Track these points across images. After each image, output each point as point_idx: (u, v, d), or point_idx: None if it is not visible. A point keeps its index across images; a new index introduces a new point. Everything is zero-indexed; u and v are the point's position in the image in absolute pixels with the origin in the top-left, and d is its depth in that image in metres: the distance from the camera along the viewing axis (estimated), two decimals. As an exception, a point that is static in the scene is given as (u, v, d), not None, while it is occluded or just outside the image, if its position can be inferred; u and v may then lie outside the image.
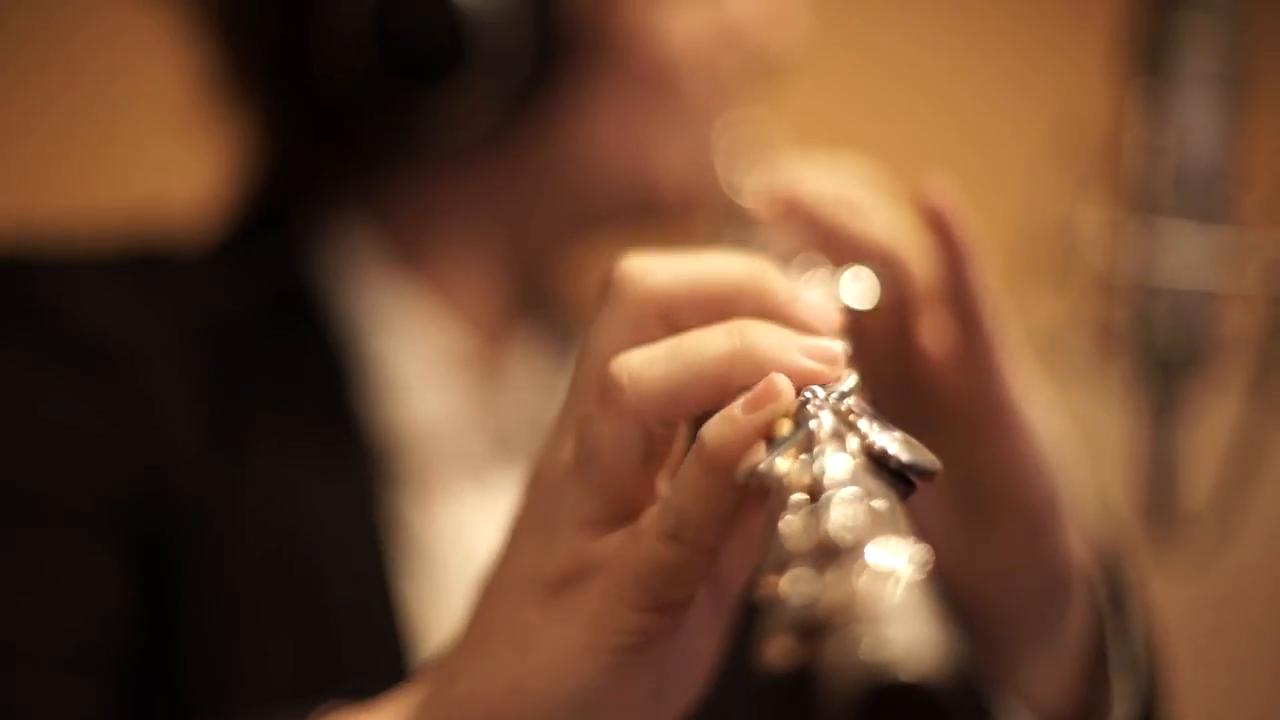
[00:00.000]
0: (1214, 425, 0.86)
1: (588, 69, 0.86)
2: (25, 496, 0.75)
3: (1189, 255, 0.82)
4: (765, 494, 0.42)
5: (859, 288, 0.60)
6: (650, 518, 0.45)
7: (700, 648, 0.49)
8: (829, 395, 0.45)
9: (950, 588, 0.66)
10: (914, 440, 0.43)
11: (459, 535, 0.88)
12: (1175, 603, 0.92)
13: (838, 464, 0.41)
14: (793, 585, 0.37)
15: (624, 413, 0.45)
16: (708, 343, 0.45)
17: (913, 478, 0.43)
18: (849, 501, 0.39)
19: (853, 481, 0.40)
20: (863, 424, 0.43)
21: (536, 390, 0.94)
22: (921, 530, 0.61)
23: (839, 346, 0.47)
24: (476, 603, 0.50)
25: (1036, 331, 0.86)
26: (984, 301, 0.60)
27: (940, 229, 0.60)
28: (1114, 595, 0.68)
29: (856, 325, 0.61)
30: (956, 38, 2.06)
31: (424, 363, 0.89)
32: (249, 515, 0.80)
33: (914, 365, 0.62)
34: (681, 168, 0.89)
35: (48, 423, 0.78)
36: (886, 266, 0.61)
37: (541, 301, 0.98)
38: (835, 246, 0.62)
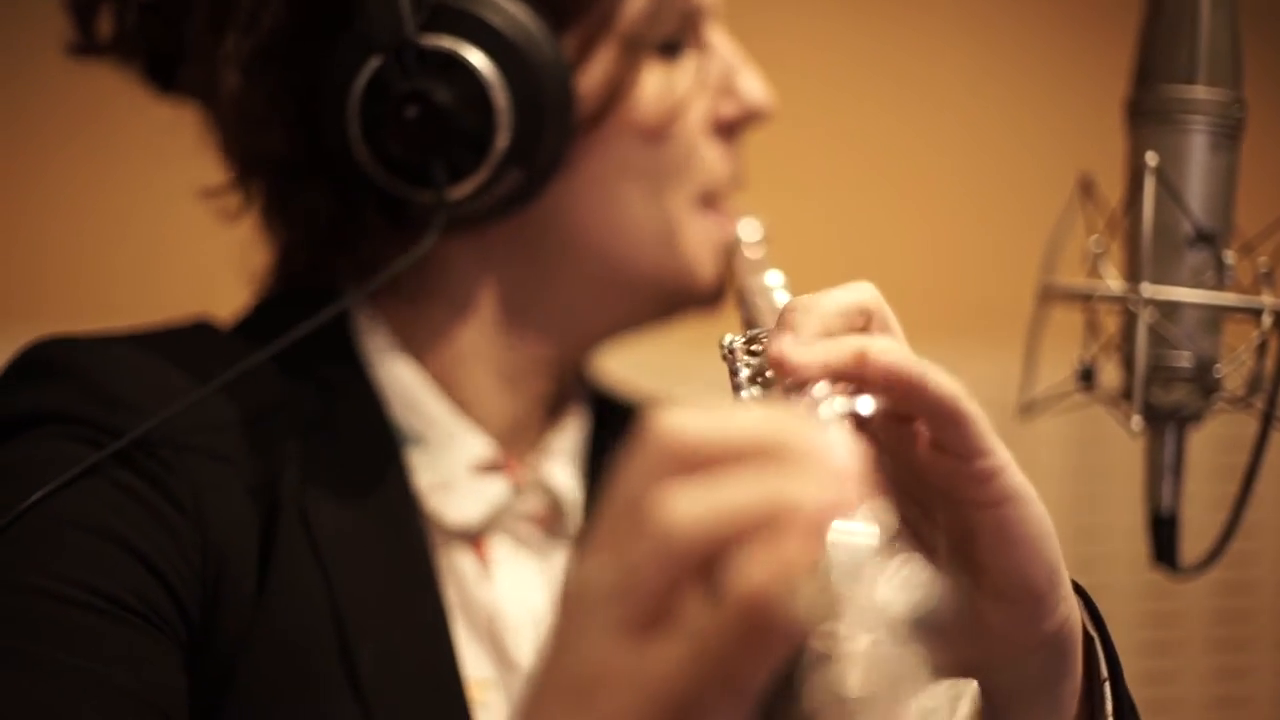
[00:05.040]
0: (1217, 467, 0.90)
1: (602, 140, 0.90)
2: (79, 599, 0.75)
3: (1199, 314, 0.87)
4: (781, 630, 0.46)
5: (862, 401, 0.62)
6: (676, 640, 0.48)
7: None
8: (852, 544, 0.48)
9: (958, 662, 0.69)
10: (922, 576, 0.46)
11: (515, 602, 0.91)
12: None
13: (861, 624, 0.44)
14: None
15: (659, 550, 0.48)
16: (739, 491, 0.48)
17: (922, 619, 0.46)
18: (868, 666, 0.42)
19: (873, 642, 0.43)
20: (882, 584, 0.46)
21: (574, 488, 0.96)
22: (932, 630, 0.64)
23: (858, 493, 0.49)
24: (518, 708, 0.53)
25: (1054, 392, 0.91)
26: (963, 411, 0.62)
27: (887, 378, 0.62)
28: (1106, 653, 0.71)
29: (861, 431, 0.64)
30: (981, 110, 2.12)
31: (448, 471, 0.91)
32: (299, 590, 0.82)
33: (916, 461, 0.65)
34: (708, 245, 0.93)
35: (89, 523, 0.78)
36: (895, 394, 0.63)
37: (580, 395, 1.00)
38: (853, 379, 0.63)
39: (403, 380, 0.91)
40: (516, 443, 0.95)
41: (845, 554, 0.47)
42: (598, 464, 0.98)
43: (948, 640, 0.66)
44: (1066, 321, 0.94)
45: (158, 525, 0.79)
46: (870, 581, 0.46)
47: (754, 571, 0.47)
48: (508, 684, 0.89)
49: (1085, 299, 0.90)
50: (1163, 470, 0.89)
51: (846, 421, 0.60)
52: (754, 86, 0.96)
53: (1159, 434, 0.89)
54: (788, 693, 0.44)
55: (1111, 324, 0.90)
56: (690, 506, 0.48)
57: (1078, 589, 0.70)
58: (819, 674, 0.43)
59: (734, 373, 0.66)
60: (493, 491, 0.92)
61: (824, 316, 0.63)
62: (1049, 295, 0.92)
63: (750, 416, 0.51)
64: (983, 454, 0.63)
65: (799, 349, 0.61)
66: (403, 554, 0.86)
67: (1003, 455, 0.64)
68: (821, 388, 0.60)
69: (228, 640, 0.79)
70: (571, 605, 0.51)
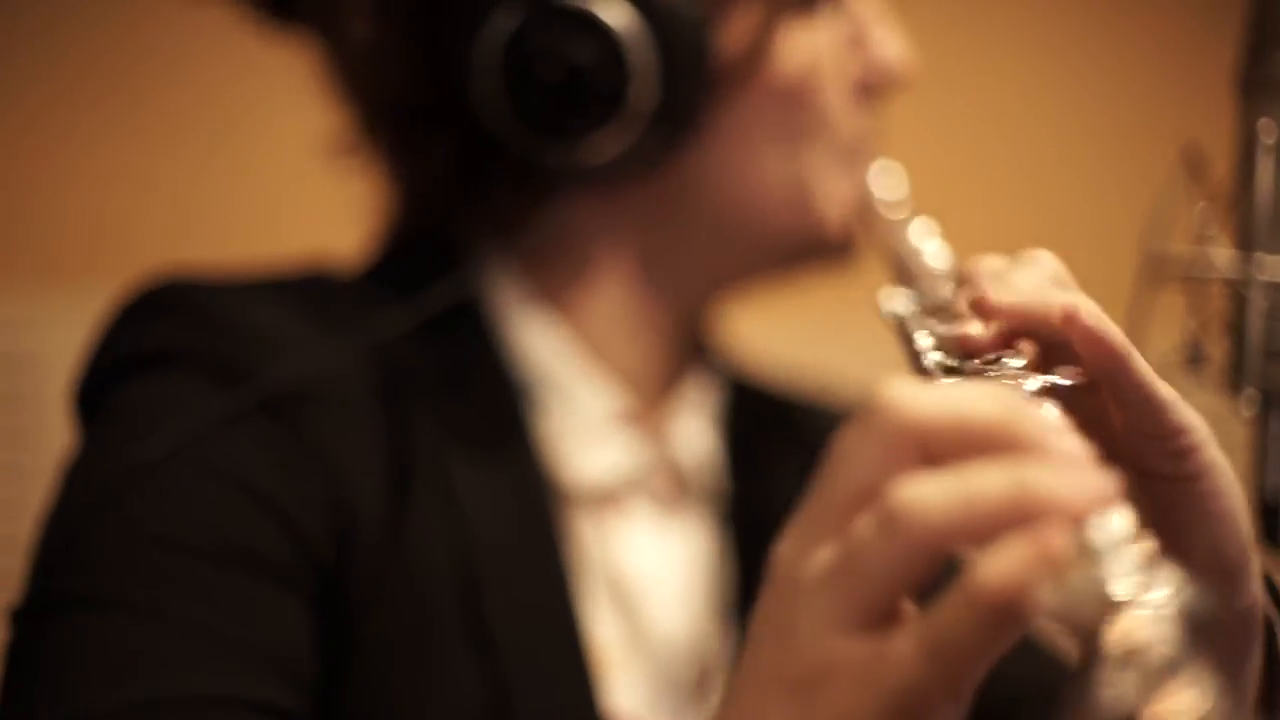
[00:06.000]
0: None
1: (739, 98, 0.87)
2: (208, 551, 0.73)
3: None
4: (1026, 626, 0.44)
5: (1063, 371, 0.61)
6: (908, 634, 0.46)
7: None
8: (1110, 537, 0.46)
9: None
10: (1175, 573, 0.45)
11: (643, 563, 0.88)
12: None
13: (1142, 618, 0.43)
14: None
15: (900, 541, 0.46)
16: (988, 482, 0.46)
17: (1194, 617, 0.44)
18: (1159, 664, 0.41)
19: (1154, 634, 0.42)
20: (1150, 573, 0.45)
21: (703, 439, 0.94)
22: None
23: (1109, 483, 0.47)
24: (721, 702, 0.51)
25: (1160, 367, 0.88)
26: (1154, 386, 0.61)
27: (1091, 342, 0.60)
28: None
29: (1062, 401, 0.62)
30: (1082, 77, 2.09)
31: (580, 422, 0.89)
32: (429, 543, 0.79)
33: (1103, 434, 0.62)
34: (842, 204, 0.89)
35: (226, 473, 0.75)
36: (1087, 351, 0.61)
37: (702, 353, 0.97)
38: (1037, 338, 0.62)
39: (532, 334, 0.89)
40: (645, 395, 0.93)
41: (1101, 545, 0.45)
42: (735, 433, 0.96)
43: None
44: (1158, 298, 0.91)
45: (290, 473, 0.76)
46: (1127, 574, 0.44)
47: (1003, 564, 0.44)
48: (637, 646, 0.87)
49: (1193, 277, 0.87)
50: (1271, 453, 0.86)
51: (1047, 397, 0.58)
52: (894, 49, 0.93)
53: (1266, 415, 0.86)
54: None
55: (1215, 301, 0.87)
56: (934, 495, 0.46)
57: None
58: (1084, 673, 0.41)
59: (908, 339, 0.64)
60: (626, 446, 0.90)
61: (1017, 289, 0.61)
62: (1157, 271, 0.89)
63: (981, 397, 0.48)
64: (1182, 432, 0.61)
65: (1001, 295, 0.59)
66: (530, 510, 0.84)
67: (1202, 430, 0.62)
68: (1015, 360, 0.58)
69: (356, 592, 0.77)
70: (787, 590, 0.48)
